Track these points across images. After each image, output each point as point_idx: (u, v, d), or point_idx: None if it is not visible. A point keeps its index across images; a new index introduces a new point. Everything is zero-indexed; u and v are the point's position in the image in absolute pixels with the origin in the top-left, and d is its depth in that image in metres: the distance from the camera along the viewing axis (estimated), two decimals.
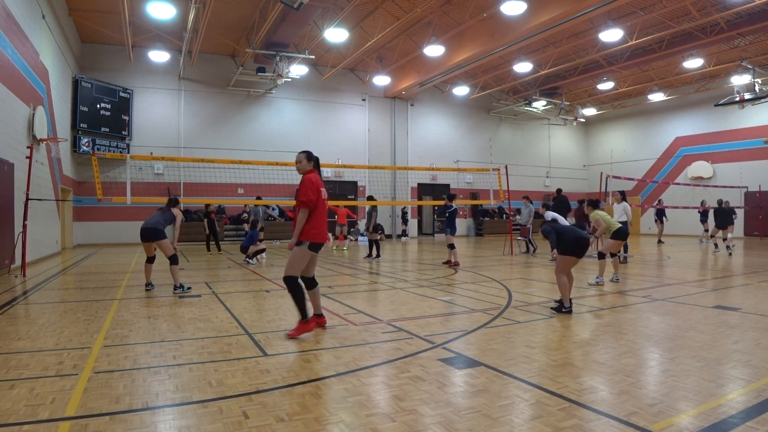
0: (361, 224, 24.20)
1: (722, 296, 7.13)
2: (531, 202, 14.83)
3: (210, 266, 11.74)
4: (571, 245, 5.92)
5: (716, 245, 15.84)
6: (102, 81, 19.07)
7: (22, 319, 5.86)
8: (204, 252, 15.56)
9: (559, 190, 15.09)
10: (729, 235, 14.75)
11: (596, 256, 8.77)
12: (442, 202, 12.33)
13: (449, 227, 11.87)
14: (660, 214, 20.39)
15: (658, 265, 11.69)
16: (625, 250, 12.14)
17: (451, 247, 11.67)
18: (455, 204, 11.89)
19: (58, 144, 14.93)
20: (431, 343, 4.54)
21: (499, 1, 14.32)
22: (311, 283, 5.11)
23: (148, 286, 7.83)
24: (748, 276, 9.58)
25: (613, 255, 8.80)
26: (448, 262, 11.73)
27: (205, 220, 15.41)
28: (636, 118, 28.64)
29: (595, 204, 8.71)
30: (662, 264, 11.86)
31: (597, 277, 8.26)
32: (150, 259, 7.87)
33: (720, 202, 15.93)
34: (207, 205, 15.45)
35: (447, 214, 11.86)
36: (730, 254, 13.83)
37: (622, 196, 11.99)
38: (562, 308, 5.95)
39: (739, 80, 21.12)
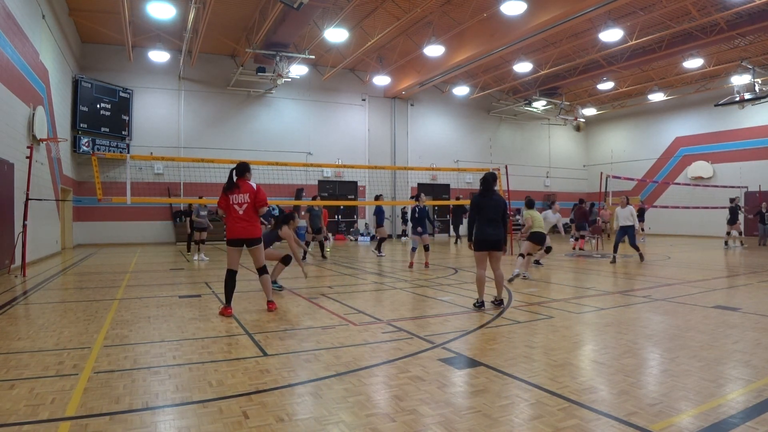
0: (361, 224, 24.22)
1: (722, 296, 7.13)
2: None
3: (210, 266, 11.74)
4: (477, 242, 6.24)
5: (726, 243, 17.30)
6: (102, 81, 19.07)
7: (22, 319, 5.86)
8: (209, 251, 15.53)
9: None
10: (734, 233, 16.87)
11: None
12: (449, 202, 12.26)
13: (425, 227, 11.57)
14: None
15: (658, 265, 11.69)
16: (634, 247, 12.26)
17: (414, 249, 11.44)
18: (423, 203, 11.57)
19: (58, 144, 14.93)
20: (431, 343, 4.54)
21: (499, 1, 14.31)
22: (260, 272, 6.13)
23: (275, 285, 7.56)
24: (748, 276, 9.58)
25: (525, 255, 9.35)
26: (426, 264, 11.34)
27: (187, 219, 14.92)
28: (636, 118, 28.63)
29: (529, 204, 9.93)
30: (662, 264, 11.86)
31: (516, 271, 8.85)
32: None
33: (732, 200, 17.83)
34: (189, 204, 15.01)
35: (417, 214, 11.48)
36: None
37: (627, 200, 12.07)
38: (476, 302, 6.28)
39: (739, 80, 21.10)
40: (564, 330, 5.09)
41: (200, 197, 14.14)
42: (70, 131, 17.78)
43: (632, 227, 12.02)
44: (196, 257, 12.99)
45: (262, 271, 6.11)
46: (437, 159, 25.61)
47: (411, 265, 11.22)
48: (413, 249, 11.54)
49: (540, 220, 9.81)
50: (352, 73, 24.14)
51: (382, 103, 25.20)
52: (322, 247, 13.76)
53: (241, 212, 5.90)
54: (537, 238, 9.57)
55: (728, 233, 17.60)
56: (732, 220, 17.40)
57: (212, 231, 13.79)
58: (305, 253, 12.88)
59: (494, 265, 6.32)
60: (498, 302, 6.31)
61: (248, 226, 5.93)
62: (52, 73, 14.55)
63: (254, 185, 6.03)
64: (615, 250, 12.20)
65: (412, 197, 13.51)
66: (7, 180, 10.12)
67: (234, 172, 6.04)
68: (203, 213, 13.43)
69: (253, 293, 7.53)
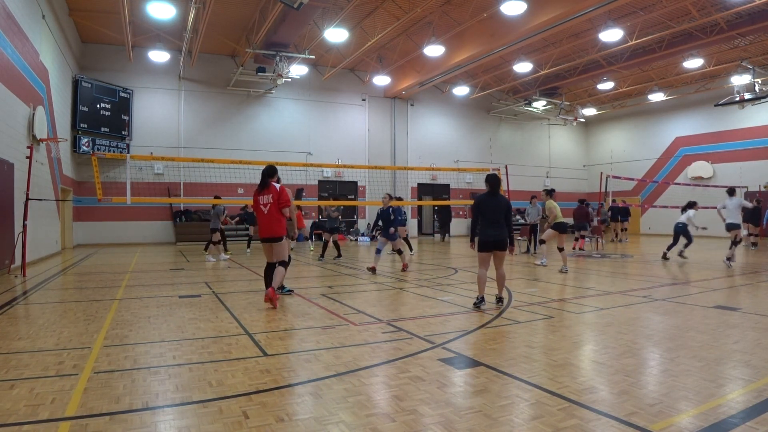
0: (361, 224, 24.21)
1: (722, 296, 7.13)
2: (538, 202, 14.96)
3: (210, 266, 11.74)
4: (480, 243, 6.33)
5: (754, 244, 16.90)
6: (102, 81, 19.07)
7: (22, 319, 5.86)
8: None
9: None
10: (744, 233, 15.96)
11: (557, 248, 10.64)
12: (443, 202, 12.18)
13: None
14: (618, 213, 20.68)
15: (658, 265, 11.69)
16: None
17: (401, 251, 10.73)
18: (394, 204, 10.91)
19: (58, 144, 14.93)
20: (431, 343, 4.54)
21: (499, 1, 14.31)
22: (278, 263, 6.62)
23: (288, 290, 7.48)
24: (748, 276, 9.58)
25: (560, 249, 10.46)
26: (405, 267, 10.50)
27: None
28: (636, 118, 28.64)
29: (550, 193, 10.92)
30: (662, 264, 11.86)
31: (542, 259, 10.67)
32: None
33: (758, 201, 17.15)
34: (213, 206, 14.79)
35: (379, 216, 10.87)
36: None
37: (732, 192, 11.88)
38: (476, 301, 6.31)
39: (739, 80, 21.10)
40: (564, 330, 5.09)
41: (217, 197, 14.03)
42: (70, 131, 17.78)
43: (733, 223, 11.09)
44: (212, 257, 12.93)
45: (280, 263, 6.60)
46: (437, 159, 25.60)
47: (405, 267, 10.48)
48: (399, 251, 10.77)
49: (559, 209, 10.72)
50: (352, 73, 24.14)
51: (382, 103, 25.19)
52: (337, 246, 13.65)
53: (265, 212, 6.48)
54: (561, 228, 10.56)
55: (751, 234, 17.25)
56: (756, 221, 16.93)
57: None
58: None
59: (497, 263, 6.39)
60: (499, 300, 6.40)
61: (270, 225, 6.51)
62: (52, 73, 14.55)
63: (278, 186, 6.56)
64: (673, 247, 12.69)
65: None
66: (7, 180, 10.12)
67: (264, 173, 6.65)
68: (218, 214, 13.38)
69: (254, 293, 7.54)
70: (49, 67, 14.04)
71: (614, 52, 19.85)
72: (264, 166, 6.80)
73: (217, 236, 13.02)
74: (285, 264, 6.63)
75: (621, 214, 20.63)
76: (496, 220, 6.22)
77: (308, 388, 3.41)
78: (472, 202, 9.04)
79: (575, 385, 3.43)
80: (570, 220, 13.31)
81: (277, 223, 6.49)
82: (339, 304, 6.56)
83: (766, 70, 20.79)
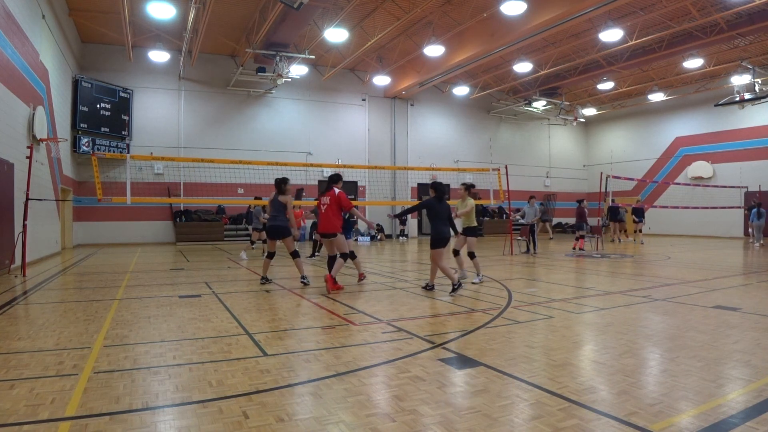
0: (361, 224, 24.19)
1: (722, 296, 7.12)
2: (537, 202, 15.05)
3: (210, 266, 11.74)
4: (434, 240, 7.31)
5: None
6: (102, 81, 19.07)
7: (22, 319, 5.86)
8: (208, 251, 15.53)
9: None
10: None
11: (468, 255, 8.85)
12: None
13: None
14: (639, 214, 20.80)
15: (658, 265, 11.69)
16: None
17: (354, 256, 8.80)
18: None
19: (58, 144, 14.92)
20: (431, 343, 4.54)
21: (499, 1, 14.32)
22: (337, 257, 7.69)
23: (263, 279, 8.34)
24: (748, 276, 9.58)
25: (472, 256, 8.74)
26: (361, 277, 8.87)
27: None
28: (636, 118, 28.63)
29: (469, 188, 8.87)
30: (662, 264, 11.86)
31: (477, 276, 8.69)
32: (270, 255, 8.43)
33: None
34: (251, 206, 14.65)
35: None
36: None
37: None
38: (453, 288, 7.19)
39: (739, 80, 21.10)
40: (564, 330, 5.09)
41: (257, 198, 14.27)
42: (70, 131, 17.78)
43: None
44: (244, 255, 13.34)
45: (341, 255, 7.60)
46: (437, 159, 25.61)
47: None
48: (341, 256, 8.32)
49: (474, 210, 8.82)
50: (352, 73, 24.13)
51: (382, 103, 25.19)
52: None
53: (323, 210, 7.59)
54: (473, 232, 8.85)
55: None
56: None
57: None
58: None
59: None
60: (430, 287, 7.48)
61: (326, 223, 7.60)
62: (52, 73, 14.55)
63: (336, 191, 7.64)
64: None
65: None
66: (7, 180, 10.12)
67: (328, 179, 7.87)
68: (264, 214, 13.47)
69: (253, 293, 7.54)
70: (49, 67, 14.04)
71: (614, 52, 19.85)
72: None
73: (256, 235, 13.29)
74: (345, 256, 7.61)
75: (636, 214, 20.77)
76: (444, 221, 7.36)
77: (308, 388, 3.41)
78: (474, 202, 8.80)
79: (575, 385, 3.43)
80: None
81: (331, 221, 7.51)
82: (339, 304, 6.56)
83: (766, 70, 20.79)
